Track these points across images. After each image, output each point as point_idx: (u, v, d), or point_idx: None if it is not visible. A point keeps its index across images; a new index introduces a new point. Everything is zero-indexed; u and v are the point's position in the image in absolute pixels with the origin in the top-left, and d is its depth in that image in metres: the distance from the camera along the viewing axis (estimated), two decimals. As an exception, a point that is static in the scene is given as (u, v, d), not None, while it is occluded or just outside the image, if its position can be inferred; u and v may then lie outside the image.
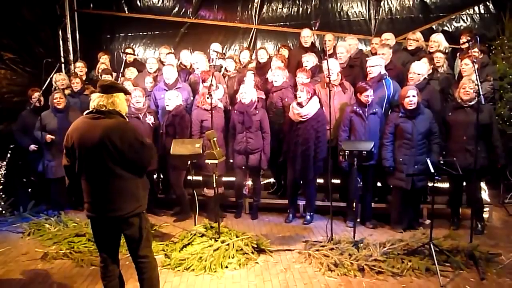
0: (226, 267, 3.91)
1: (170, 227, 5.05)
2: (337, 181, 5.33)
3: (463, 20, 7.04)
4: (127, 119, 2.94)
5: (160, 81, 5.75)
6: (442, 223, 4.84)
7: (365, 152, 4.09)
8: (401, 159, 4.57)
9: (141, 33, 8.20)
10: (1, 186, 5.57)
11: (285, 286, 3.61)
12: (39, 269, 4.05)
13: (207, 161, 4.25)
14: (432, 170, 3.73)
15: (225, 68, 6.09)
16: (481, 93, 3.98)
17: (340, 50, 5.55)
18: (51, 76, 5.51)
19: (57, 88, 6.08)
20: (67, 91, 6.08)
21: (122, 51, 7.18)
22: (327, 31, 7.09)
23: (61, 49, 7.92)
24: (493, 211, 5.23)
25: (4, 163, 5.64)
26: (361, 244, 4.12)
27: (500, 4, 6.72)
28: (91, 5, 8.16)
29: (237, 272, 3.86)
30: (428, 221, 4.91)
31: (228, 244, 4.10)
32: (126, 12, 8.16)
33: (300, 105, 4.82)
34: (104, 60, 6.82)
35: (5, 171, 5.62)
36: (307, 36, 6.09)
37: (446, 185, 5.14)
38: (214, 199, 4.64)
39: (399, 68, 5.40)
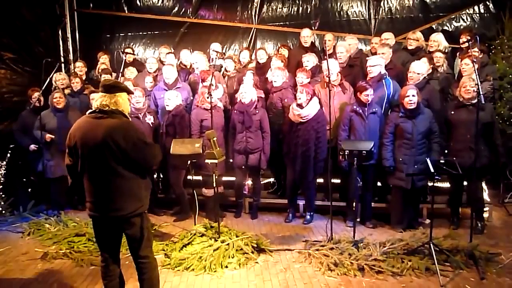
0: (226, 266, 3.91)
1: (170, 227, 5.05)
2: (337, 180, 5.33)
3: (463, 19, 7.04)
4: (130, 119, 2.94)
5: (160, 81, 5.75)
6: (442, 222, 4.85)
7: (365, 151, 4.09)
8: (401, 159, 4.57)
9: (140, 33, 8.20)
10: (1, 186, 5.58)
11: (285, 286, 3.61)
12: (39, 269, 4.04)
13: (207, 160, 4.24)
14: (432, 170, 3.73)
15: (225, 68, 6.09)
16: (481, 93, 3.98)
17: (340, 49, 5.54)
18: (51, 75, 5.50)
19: (57, 87, 6.09)
20: (67, 91, 6.08)
21: (122, 51, 7.17)
22: (327, 30, 7.11)
23: (61, 48, 7.92)
24: (493, 210, 5.24)
25: (4, 163, 5.65)
26: (361, 244, 4.12)
27: (500, 3, 6.72)
28: (91, 5, 8.15)
29: (237, 271, 3.86)
30: (428, 221, 4.91)
31: (228, 244, 4.10)
32: (126, 12, 8.16)
33: (300, 106, 4.81)
34: (104, 60, 6.82)
35: (5, 171, 5.62)
36: (307, 36, 6.08)
37: (446, 184, 5.15)
38: (214, 198, 4.64)
39: (399, 67, 5.39)
